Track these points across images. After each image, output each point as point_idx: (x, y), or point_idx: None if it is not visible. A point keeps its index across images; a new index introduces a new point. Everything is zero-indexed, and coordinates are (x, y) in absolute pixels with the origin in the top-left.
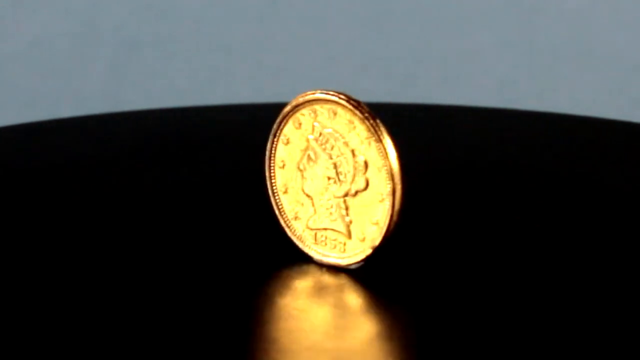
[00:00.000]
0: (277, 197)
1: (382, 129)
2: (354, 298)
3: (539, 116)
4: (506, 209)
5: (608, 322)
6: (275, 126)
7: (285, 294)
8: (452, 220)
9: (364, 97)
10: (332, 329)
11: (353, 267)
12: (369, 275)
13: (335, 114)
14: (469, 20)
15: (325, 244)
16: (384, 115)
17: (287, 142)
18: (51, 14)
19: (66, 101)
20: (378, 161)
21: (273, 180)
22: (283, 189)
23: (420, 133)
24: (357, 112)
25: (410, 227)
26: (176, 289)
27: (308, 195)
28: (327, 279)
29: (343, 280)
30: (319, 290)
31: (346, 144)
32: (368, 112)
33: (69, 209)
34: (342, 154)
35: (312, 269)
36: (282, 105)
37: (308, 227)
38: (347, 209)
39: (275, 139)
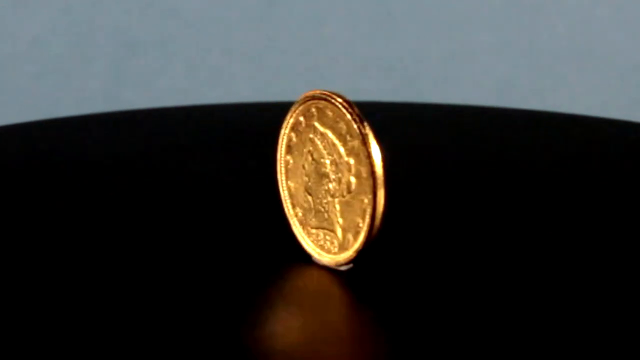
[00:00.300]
0: (285, 196)
1: (369, 131)
2: (322, 300)
3: (539, 116)
4: (505, 208)
5: (605, 325)
6: (284, 124)
7: (263, 294)
8: (451, 221)
9: (364, 97)
10: (282, 330)
11: (343, 268)
12: (357, 277)
13: (331, 114)
14: (469, 20)
15: (322, 244)
16: (383, 115)
17: (293, 142)
18: (51, 14)
19: (66, 101)
20: (364, 165)
21: (282, 179)
22: (290, 188)
23: (419, 133)
24: (347, 114)
25: (409, 227)
26: (166, 287)
27: (310, 194)
28: (313, 279)
29: (328, 281)
30: (293, 289)
31: (340, 144)
32: (357, 115)
33: (69, 209)
34: (337, 155)
35: (308, 268)
36: (282, 105)
37: (309, 226)
38: (339, 210)
39: (284, 137)
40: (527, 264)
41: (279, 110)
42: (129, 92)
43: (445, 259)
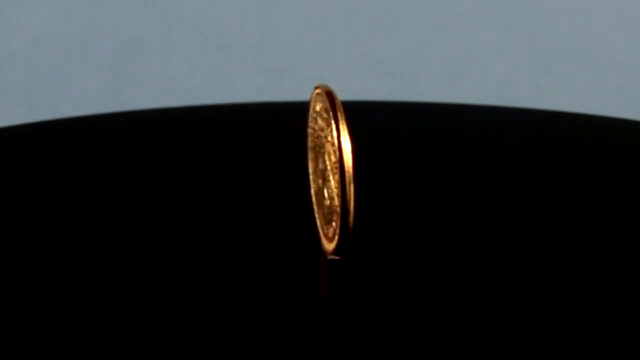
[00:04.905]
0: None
1: (342, 129)
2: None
3: (538, 115)
4: (504, 208)
5: (605, 325)
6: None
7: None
8: (449, 221)
9: (364, 97)
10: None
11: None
12: (350, 271)
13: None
14: (469, 20)
15: (324, 236)
16: (383, 115)
17: (309, 139)
18: (51, 14)
19: (66, 101)
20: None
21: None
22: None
23: (418, 133)
24: (325, 113)
25: (407, 227)
26: (168, 281)
27: (320, 187)
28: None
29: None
30: (282, 280)
31: (327, 143)
32: (333, 112)
33: (69, 209)
34: (324, 150)
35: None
36: (281, 105)
37: (318, 218)
38: (328, 205)
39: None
40: (524, 264)
41: (279, 111)
42: (128, 92)
43: (444, 259)
